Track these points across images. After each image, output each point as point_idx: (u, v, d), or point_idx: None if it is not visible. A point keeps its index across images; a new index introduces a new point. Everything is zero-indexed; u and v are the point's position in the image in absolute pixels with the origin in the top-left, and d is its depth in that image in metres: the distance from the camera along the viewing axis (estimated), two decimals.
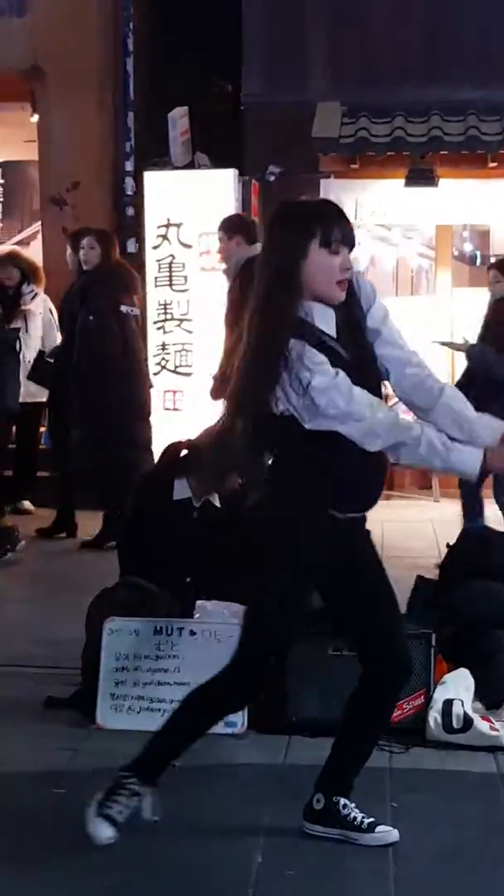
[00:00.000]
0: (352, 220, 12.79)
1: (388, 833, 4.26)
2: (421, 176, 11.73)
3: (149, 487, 6.64)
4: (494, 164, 12.01)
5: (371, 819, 4.27)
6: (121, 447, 9.54)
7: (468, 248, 15.10)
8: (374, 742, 4.49)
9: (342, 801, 4.32)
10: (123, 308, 9.73)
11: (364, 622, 4.32)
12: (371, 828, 4.26)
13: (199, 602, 5.93)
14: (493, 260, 13.46)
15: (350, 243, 4.07)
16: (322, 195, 12.00)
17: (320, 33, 12.77)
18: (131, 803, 4.28)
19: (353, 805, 4.31)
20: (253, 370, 4.04)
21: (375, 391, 4.12)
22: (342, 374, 3.98)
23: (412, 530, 10.02)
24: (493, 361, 8.14)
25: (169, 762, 4.43)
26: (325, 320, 4.09)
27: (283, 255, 4.05)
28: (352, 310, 4.13)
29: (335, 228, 4.03)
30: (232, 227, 9.22)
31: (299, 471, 4.13)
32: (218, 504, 6.43)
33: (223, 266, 10.20)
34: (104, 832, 4.22)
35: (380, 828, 4.27)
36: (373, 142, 11.78)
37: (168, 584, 6.11)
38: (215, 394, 9.06)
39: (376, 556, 4.34)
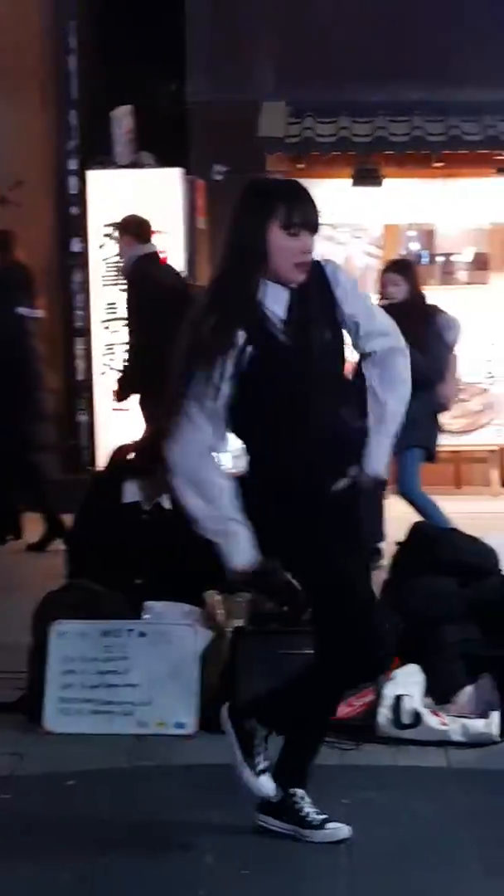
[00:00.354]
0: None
1: (337, 829, 4.24)
2: (367, 176, 11.79)
3: (97, 490, 6.63)
4: (439, 165, 12.08)
5: (323, 816, 4.27)
6: (20, 450, 9.47)
7: (414, 247, 15.12)
8: (325, 729, 4.48)
9: (299, 792, 4.29)
10: (20, 310, 9.63)
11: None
12: (322, 825, 4.25)
13: (148, 603, 5.92)
14: (443, 259, 13.56)
15: (312, 227, 4.06)
16: None
17: (266, 32, 12.80)
18: (265, 748, 4.32)
19: (308, 800, 4.29)
20: (202, 358, 4.02)
21: (333, 377, 4.16)
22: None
23: None
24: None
25: (291, 717, 4.37)
26: (277, 301, 4.08)
27: (243, 233, 4.07)
28: (320, 296, 4.11)
29: (296, 211, 4.02)
30: (123, 227, 9.29)
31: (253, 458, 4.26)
32: (168, 506, 6.42)
33: None
34: (270, 786, 4.24)
35: (330, 824, 4.24)
36: (318, 141, 11.82)
37: (117, 585, 6.10)
38: (119, 395, 9.06)
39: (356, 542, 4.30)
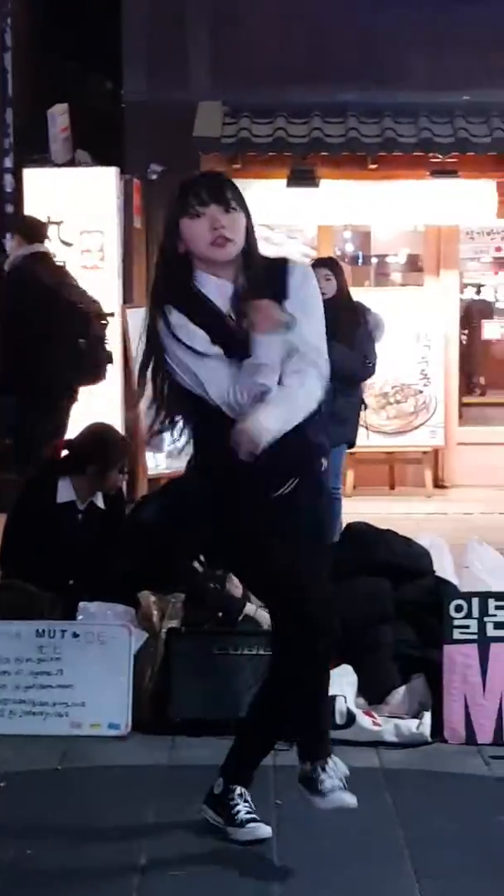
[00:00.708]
0: None
1: (256, 829, 4.24)
2: (302, 176, 11.81)
3: (30, 489, 6.59)
4: (374, 166, 12.12)
5: (251, 815, 4.27)
6: None
7: (350, 248, 15.19)
8: (277, 733, 4.44)
9: (238, 789, 4.30)
10: None
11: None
12: (244, 823, 4.25)
13: (82, 604, 5.90)
14: (374, 259, 13.62)
15: (215, 199, 3.97)
16: None
17: (202, 32, 12.80)
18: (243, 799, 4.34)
19: (244, 798, 4.30)
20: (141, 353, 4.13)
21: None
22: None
23: None
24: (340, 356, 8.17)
25: (321, 729, 4.38)
26: (220, 295, 4.06)
27: (163, 235, 4.11)
28: (272, 288, 4.02)
29: (195, 195, 3.98)
30: (14, 227, 9.28)
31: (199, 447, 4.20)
32: (102, 505, 6.41)
33: (104, 264, 10.20)
34: (350, 797, 4.18)
35: (251, 824, 4.25)
36: (254, 142, 11.83)
37: (51, 586, 6.07)
38: None
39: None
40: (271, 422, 3.93)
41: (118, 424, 11.15)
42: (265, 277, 4.06)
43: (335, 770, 4.18)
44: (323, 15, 12.57)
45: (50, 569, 6.16)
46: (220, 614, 5.83)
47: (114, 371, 11.24)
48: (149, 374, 4.14)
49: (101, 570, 6.24)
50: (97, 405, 11.02)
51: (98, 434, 6.58)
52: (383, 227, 13.79)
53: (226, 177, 4.18)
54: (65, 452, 6.49)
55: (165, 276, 4.12)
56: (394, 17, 12.58)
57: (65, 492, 6.34)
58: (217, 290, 4.07)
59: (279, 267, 4.12)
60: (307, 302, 4.07)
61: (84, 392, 11.05)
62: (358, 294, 11.70)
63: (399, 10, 12.59)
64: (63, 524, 6.30)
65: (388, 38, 12.64)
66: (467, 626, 5.49)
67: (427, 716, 5.44)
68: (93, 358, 8.80)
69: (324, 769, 4.16)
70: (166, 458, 10.49)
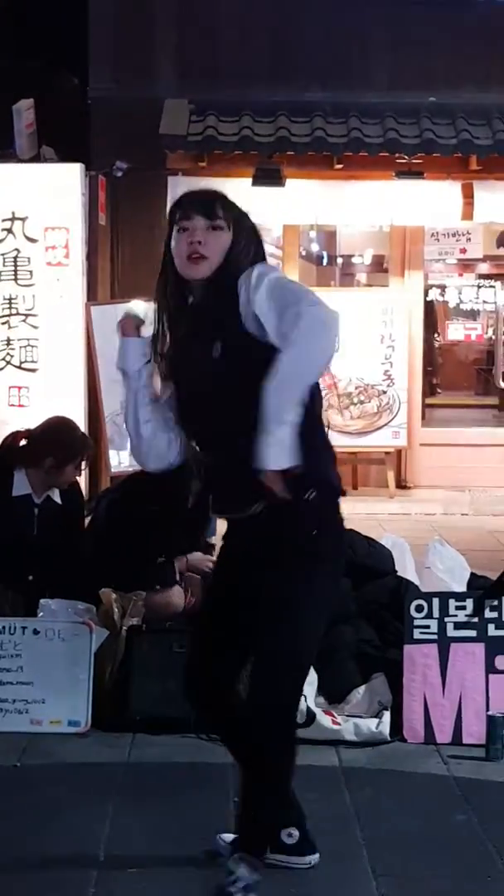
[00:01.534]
0: None
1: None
2: (268, 176, 11.82)
3: None
4: (340, 166, 12.15)
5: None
6: None
7: (315, 248, 15.23)
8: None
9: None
10: None
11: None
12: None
13: (43, 601, 5.90)
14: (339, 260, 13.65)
15: (197, 210, 3.82)
16: (170, 193, 12.01)
17: (169, 29, 12.80)
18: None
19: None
20: None
21: (222, 402, 3.74)
22: None
23: None
24: None
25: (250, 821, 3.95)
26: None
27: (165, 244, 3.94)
28: (217, 305, 3.78)
29: (178, 207, 3.89)
30: None
31: None
32: (59, 501, 6.38)
33: (68, 261, 10.16)
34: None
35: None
36: (220, 140, 11.84)
37: (10, 582, 6.06)
38: None
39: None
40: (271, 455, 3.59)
41: (81, 424, 11.16)
42: (220, 293, 3.78)
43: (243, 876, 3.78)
44: (290, 15, 12.60)
45: (7, 563, 6.14)
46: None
47: (77, 367, 11.25)
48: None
49: (58, 566, 6.24)
50: (60, 401, 11.02)
51: (57, 427, 6.52)
52: (349, 228, 13.83)
53: (221, 194, 3.98)
54: (23, 443, 6.41)
55: (161, 286, 3.95)
56: (361, 18, 12.63)
57: (21, 485, 6.29)
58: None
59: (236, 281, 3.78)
60: (269, 294, 3.66)
61: (47, 386, 11.06)
62: (323, 294, 11.75)
63: (367, 10, 12.64)
64: (19, 518, 6.26)
65: (356, 38, 12.69)
66: (427, 626, 5.51)
67: (386, 715, 5.46)
68: None
69: (238, 863, 3.81)
70: (129, 455, 10.48)
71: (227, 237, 3.84)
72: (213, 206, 3.85)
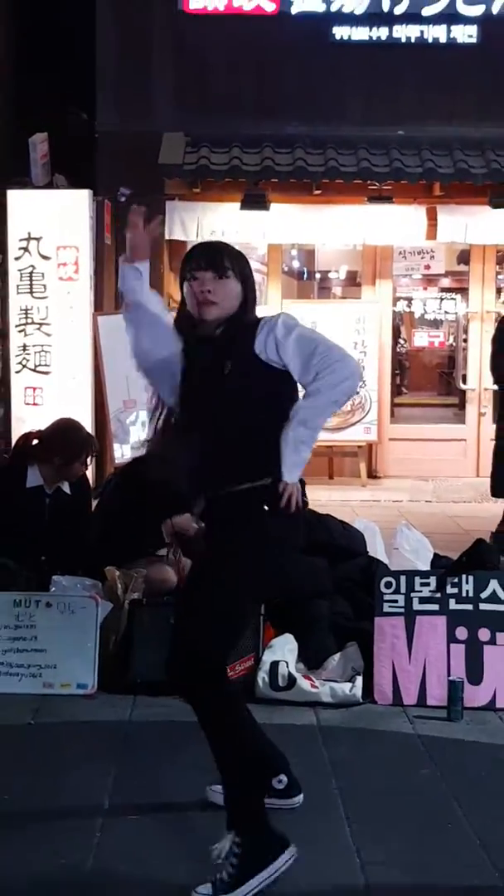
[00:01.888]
0: (193, 238, 12.79)
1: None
2: (255, 200, 11.81)
3: (4, 475, 6.56)
4: (318, 192, 12.15)
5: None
6: None
7: (296, 264, 15.18)
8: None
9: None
10: None
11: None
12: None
13: (55, 577, 5.89)
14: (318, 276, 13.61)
15: (203, 266, 3.86)
16: (167, 216, 12.05)
17: (167, 71, 12.75)
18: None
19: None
20: None
21: (212, 432, 3.81)
22: None
23: None
24: None
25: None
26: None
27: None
28: (240, 335, 3.83)
29: (187, 264, 3.93)
30: None
31: None
32: (68, 491, 6.38)
33: (78, 276, 10.08)
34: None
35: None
36: (212, 169, 11.81)
37: (26, 562, 6.05)
38: None
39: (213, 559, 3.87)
40: (295, 471, 3.75)
41: (88, 420, 11.14)
42: (236, 337, 3.84)
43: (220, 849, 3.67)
44: (274, 57, 12.56)
45: (23, 546, 6.13)
46: None
47: (85, 370, 11.23)
48: None
49: (67, 549, 6.25)
50: (70, 400, 11.00)
51: (65, 429, 6.52)
52: (326, 246, 13.80)
53: (225, 245, 4.00)
54: (35, 442, 6.43)
55: (182, 320, 3.99)
56: (337, 60, 12.60)
57: (33, 478, 6.31)
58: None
59: (251, 326, 3.86)
60: (285, 347, 3.76)
61: (59, 387, 11.04)
62: (303, 306, 11.75)
63: (342, 53, 12.61)
64: (32, 507, 6.27)
65: (332, 78, 12.65)
66: (396, 601, 5.50)
67: (359, 680, 5.44)
68: None
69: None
70: (131, 448, 10.48)
71: (235, 285, 3.89)
72: (221, 258, 3.90)
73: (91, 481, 7.09)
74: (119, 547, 6.06)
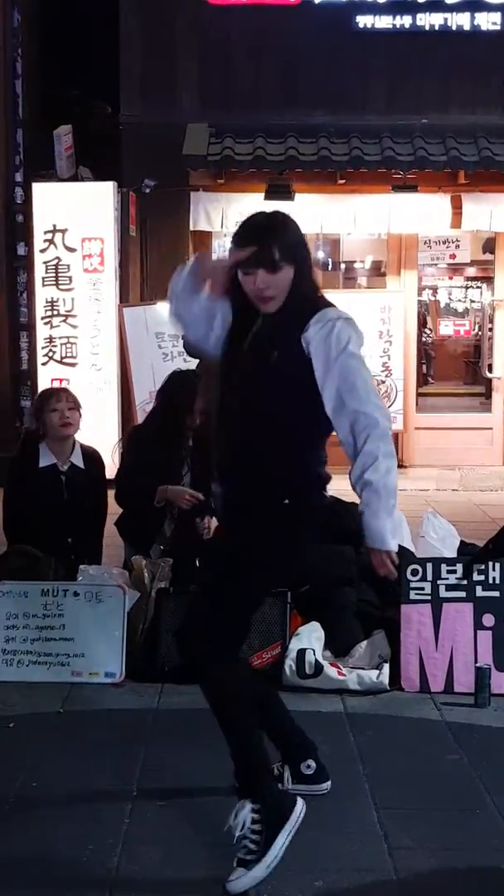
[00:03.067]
0: (218, 228, 12.75)
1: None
2: (279, 190, 11.78)
3: (17, 459, 6.62)
4: (343, 182, 12.11)
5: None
6: None
7: (321, 254, 15.16)
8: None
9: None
10: None
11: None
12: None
13: (82, 566, 5.91)
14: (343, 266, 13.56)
15: (261, 263, 3.72)
16: (192, 207, 12.03)
17: (191, 62, 12.74)
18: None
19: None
20: None
21: (250, 415, 3.75)
22: None
23: None
24: None
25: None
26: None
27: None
28: (285, 335, 3.73)
29: (236, 249, 3.79)
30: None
31: None
32: (82, 465, 6.42)
33: (103, 268, 10.07)
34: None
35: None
36: (237, 159, 11.79)
37: (53, 549, 6.07)
38: None
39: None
40: (389, 536, 3.83)
41: (115, 411, 11.17)
42: (290, 320, 3.76)
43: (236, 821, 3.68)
44: (297, 47, 12.54)
45: (47, 530, 6.17)
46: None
47: (111, 361, 11.25)
48: None
49: (90, 525, 6.34)
50: (96, 392, 11.03)
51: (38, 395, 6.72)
52: (351, 236, 13.76)
53: (274, 227, 3.83)
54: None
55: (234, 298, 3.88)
56: (361, 50, 12.56)
57: (45, 456, 6.37)
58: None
59: (307, 313, 3.76)
60: (328, 363, 3.70)
61: (85, 378, 11.06)
62: (328, 296, 11.71)
63: (366, 42, 12.57)
64: (48, 484, 6.32)
65: (356, 67, 12.62)
66: (422, 588, 5.50)
67: (386, 667, 5.45)
68: None
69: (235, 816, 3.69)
70: None
71: (288, 272, 3.77)
72: (269, 254, 3.75)
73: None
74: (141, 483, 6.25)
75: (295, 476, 3.77)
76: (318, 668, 5.36)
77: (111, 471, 6.73)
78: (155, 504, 6.27)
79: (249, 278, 3.76)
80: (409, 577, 5.50)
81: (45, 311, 11.35)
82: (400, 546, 6.25)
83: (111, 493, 6.51)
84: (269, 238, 3.78)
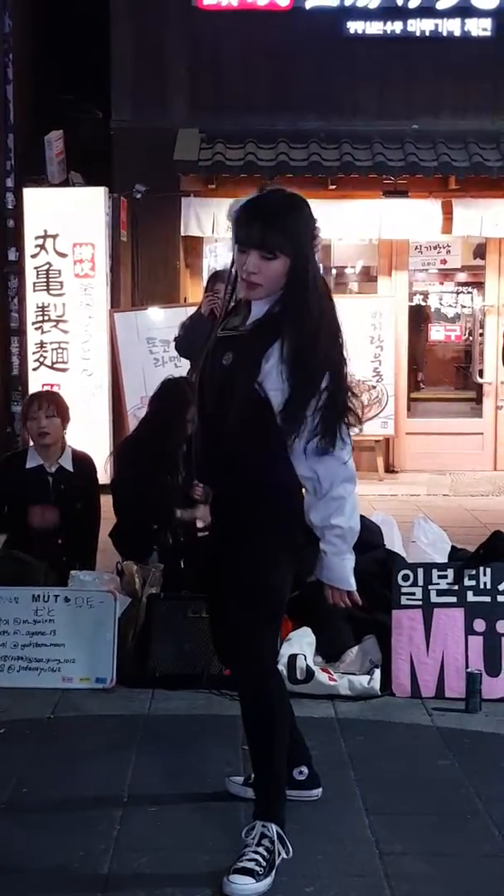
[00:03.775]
0: (209, 234, 12.80)
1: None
2: None
3: (5, 461, 6.64)
4: (333, 187, 12.14)
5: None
6: None
7: None
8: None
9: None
10: None
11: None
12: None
13: (73, 572, 5.90)
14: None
15: (257, 244, 3.53)
16: (183, 212, 12.03)
17: (181, 67, 12.75)
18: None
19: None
20: None
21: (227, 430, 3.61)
22: None
23: None
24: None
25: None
26: (239, 312, 3.73)
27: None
28: (259, 342, 3.58)
29: (237, 230, 3.60)
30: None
31: None
32: (70, 468, 6.41)
33: (94, 273, 10.07)
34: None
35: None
36: (228, 165, 11.81)
37: (43, 551, 6.07)
38: None
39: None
40: (351, 577, 3.77)
41: (106, 416, 11.18)
42: (263, 332, 3.58)
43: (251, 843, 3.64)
44: (287, 52, 12.55)
45: (36, 532, 6.17)
46: None
47: (102, 367, 11.26)
48: None
49: (80, 527, 6.32)
50: (87, 398, 11.03)
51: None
52: (342, 241, 13.77)
53: (280, 209, 3.63)
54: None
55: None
56: (351, 55, 12.58)
57: (32, 459, 6.38)
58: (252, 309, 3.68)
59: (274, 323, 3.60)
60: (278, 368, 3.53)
61: (76, 384, 11.06)
62: None
63: (356, 47, 12.60)
64: (36, 486, 6.32)
65: (346, 73, 12.64)
66: (413, 594, 5.50)
67: (377, 672, 5.44)
68: None
69: (250, 830, 3.69)
70: None
71: (283, 263, 3.57)
72: (269, 236, 3.55)
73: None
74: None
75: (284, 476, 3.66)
76: (310, 673, 5.36)
77: (106, 479, 6.73)
78: (153, 526, 6.26)
79: (242, 256, 3.60)
80: (401, 582, 5.50)
81: (37, 316, 11.35)
82: (391, 551, 6.32)
83: (105, 500, 6.51)
84: (272, 221, 3.57)
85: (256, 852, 3.60)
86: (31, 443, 6.45)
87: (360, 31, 12.62)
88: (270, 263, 3.56)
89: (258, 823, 3.68)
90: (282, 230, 3.56)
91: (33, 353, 11.37)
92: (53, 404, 6.37)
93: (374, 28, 12.61)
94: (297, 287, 3.58)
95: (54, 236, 11.29)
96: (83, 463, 6.49)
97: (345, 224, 12.31)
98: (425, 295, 16.14)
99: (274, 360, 3.53)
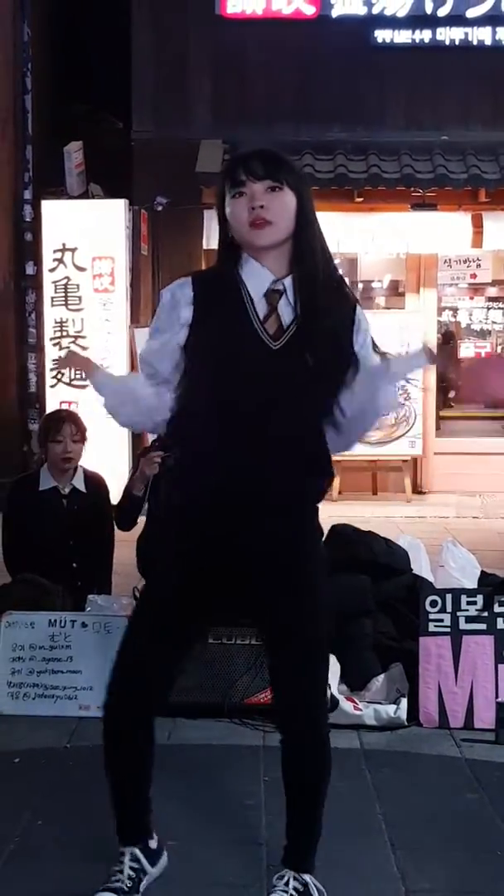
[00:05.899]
0: None
1: None
2: None
3: (17, 483, 6.65)
4: (360, 200, 12.16)
5: None
6: None
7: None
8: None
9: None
10: None
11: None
12: None
13: (90, 596, 5.91)
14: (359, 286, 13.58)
15: (257, 175, 3.24)
16: (205, 225, 12.07)
17: (203, 77, 12.82)
18: None
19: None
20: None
21: (293, 420, 3.30)
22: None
23: None
24: None
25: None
26: (255, 281, 3.33)
27: (219, 223, 3.39)
28: (332, 318, 3.35)
29: (232, 171, 3.30)
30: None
31: None
32: (83, 489, 6.42)
33: (114, 287, 10.11)
34: None
35: None
36: None
37: (57, 575, 6.08)
38: None
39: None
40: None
41: (124, 434, 11.18)
42: (330, 300, 3.35)
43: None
44: (313, 62, 12.60)
45: (51, 556, 6.18)
46: None
47: None
48: None
49: (96, 551, 6.34)
50: (105, 417, 11.03)
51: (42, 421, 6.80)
52: (369, 255, 13.79)
53: (278, 153, 3.35)
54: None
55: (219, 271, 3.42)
56: (378, 64, 12.62)
57: (46, 480, 6.40)
58: (253, 275, 3.33)
59: (351, 307, 3.44)
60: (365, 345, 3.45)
61: (94, 401, 11.07)
62: None
63: (383, 56, 12.63)
64: (49, 508, 6.34)
65: (373, 82, 12.68)
66: (441, 620, 5.48)
67: (404, 701, 5.42)
68: None
69: (280, 878, 3.60)
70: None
71: (292, 198, 3.30)
72: (272, 165, 3.28)
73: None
74: None
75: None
76: (334, 702, 5.33)
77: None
78: (135, 493, 6.15)
79: (242, 200, 3.25)
80: (428, 608, 5.49)
81: (54, 331, 11.39)
82: (418, 576, 6.31)
83: None
84: (268, 155, 3.32)
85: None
86: (46, 463, 6.45)
87: (387, 40, 12.67)
88: (279, 195, 3.27)
89: (291, 875, 3.59)
90: (284, 163, 3.33)
91: (51, 369, 11.40)
92: (78, 428, 6.39)
93: (403, 37, 12.66)
94: (309, 234, 3.37)
95: (73, 250, 11.33)
96: (95, 482, 6.51)
97: (371, 237, 12.34)
98: (455, 310, 16.17)
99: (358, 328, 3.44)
